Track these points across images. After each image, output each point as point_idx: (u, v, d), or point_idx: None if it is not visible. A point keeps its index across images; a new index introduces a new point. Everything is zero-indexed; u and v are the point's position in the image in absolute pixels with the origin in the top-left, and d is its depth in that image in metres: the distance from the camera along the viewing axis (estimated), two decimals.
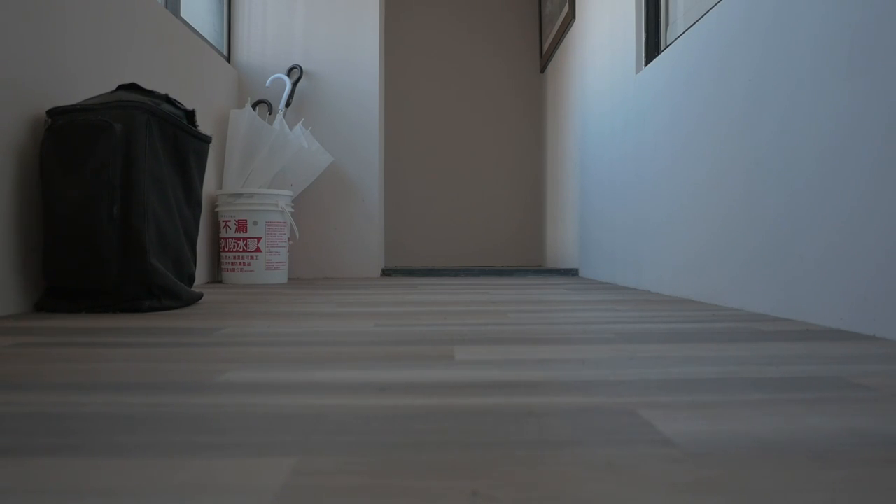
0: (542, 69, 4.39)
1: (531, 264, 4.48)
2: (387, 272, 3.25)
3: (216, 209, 2.78)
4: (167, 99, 1.62)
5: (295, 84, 3.10)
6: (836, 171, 1.16)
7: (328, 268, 3.19)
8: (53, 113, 1.49)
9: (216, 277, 2.89)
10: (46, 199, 1.45)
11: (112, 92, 1.59)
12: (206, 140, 1.73)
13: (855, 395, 0.64)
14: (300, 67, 3.16)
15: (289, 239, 2.86)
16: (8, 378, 0.72)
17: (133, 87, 1.62)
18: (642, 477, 0.42)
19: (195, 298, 1.63)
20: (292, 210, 2.83)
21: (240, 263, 2.68)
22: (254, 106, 3.11)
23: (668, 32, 2.19)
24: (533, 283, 2.61)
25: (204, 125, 2.68)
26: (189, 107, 2.49)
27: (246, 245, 2.67)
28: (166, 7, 2.35)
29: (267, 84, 3.14)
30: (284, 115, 3.13)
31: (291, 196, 2.80)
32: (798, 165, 1.29)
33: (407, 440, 0.49)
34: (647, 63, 2.28)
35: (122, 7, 1.93)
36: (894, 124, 1.02)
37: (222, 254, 2.72)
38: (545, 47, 4.20)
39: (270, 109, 3.14)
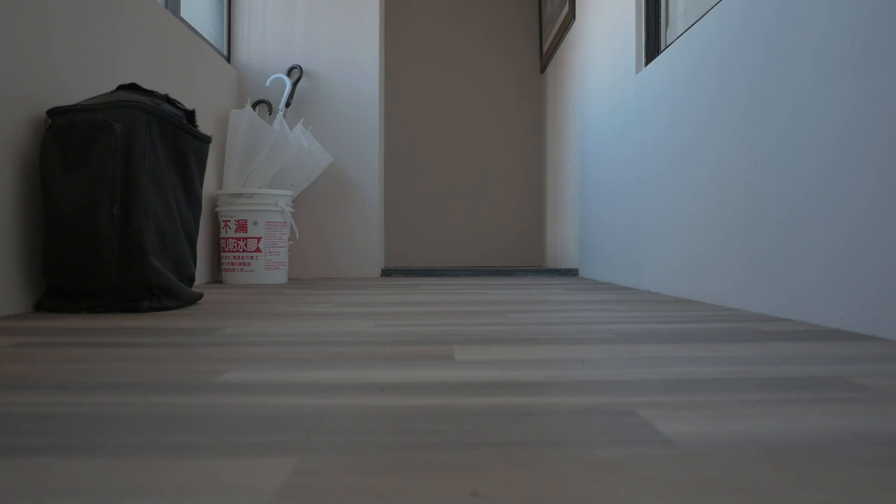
0: (542, 69, 4.39)
1: (531, 264, 4.48)
2: (386, 272, 3.25)
3: (216, 209, 2.78)
4: (167, 99, 1.62)
5: (295, 84, 3.10)
6: (839, 171, 1.16)
7: (328, 268, 3.19)
8: (54, 113, 1.49)
9: (216, 277, 2.89)
10: (46, 199, 1.45)
11: (112, 92, 1.59)
12: (206, 140, 1.73)
13: (855, 395, 0.64)
14: (300, 67, 3.16)
15: (289, 239, 2.86)
16: (8, 378, 0.72)
17: (133, 87, 1.62)
18: (642, 477, 0.41)
19: (195, 298, 1.63)
20: (292, 210, 2.83)
21: (240, 263, 2.68)
22: (254, 106, 3.11)
23: (668, 32, 2.19)
24: (533, 284, 2.61)
25: (204, 125, 2.68)
26: (189, 107, 2.49)
27: (246, 245, 2.67)
28: (166, 7, 2.35)
29: (267, 84, 3.14)
30: (284, 116, 3.13)
31: (291, 196, 2.80)
32: (800, 166, 1.29)
33: (407, 440, 0.49)
34: (647, 63, 2.28)
35: (122, 7, 1.93)
36: None
37: (222, 254, 2.72)
38: (545, 47, 4.20)
39: (270, 109, 3.14)
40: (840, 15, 1.16)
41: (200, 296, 1.66)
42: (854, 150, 1.12)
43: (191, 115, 1.69)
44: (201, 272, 2.68)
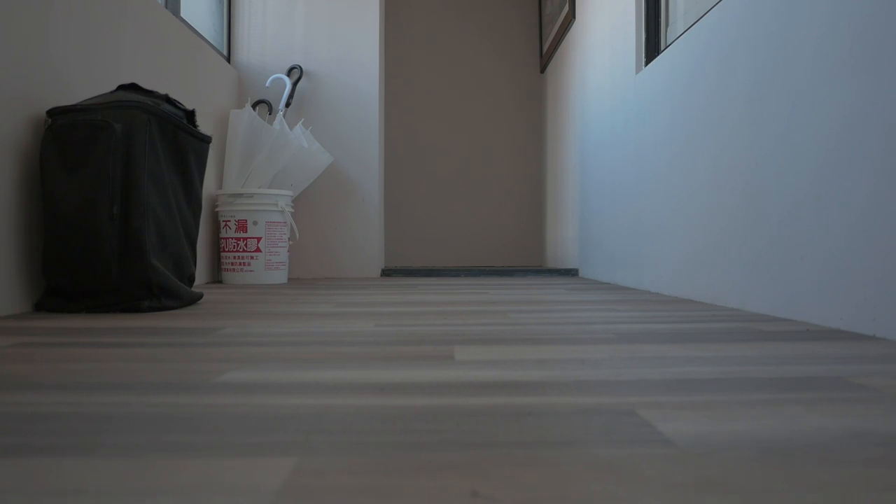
0: (542, 69, 4.39)
1: (531, 264, 4.48)
2: (386, 272, 3.25)
3: (216, 209, 2.78)
4: (167, 99, 1.62)
5: (295, 84, 3.10)
6: (839, 171, 1.16)
7: (328, 268, 3.19)
8: (53, 113, 1.49)
9: (216, 277, 2.89)
10: (46, 199, 1.45)
11: (112, 92, 1.59)
12: (206, 140, 1.73)
13: (855, 395, 0.64)
14: (300, 67, 3.16)
15: (289, 239, 2.86)
16: (8, 378, 0.72)
17: (133, 87, 1.62)
18: (642, 477, 0.41)
19: (195, 298, 1.63)
20: (292, 210, 2.83)
21: (240, 263, 2.68)
22: (254, 106, 3.11)
23: (668, 32, 2.19)
24: (533, 284, 2.61)
25: (204, 125, 2.68)
26: (189, 107, 2.49)
27: (246, 245, 2.67)
28: (166, 7, 2.35)
29: (267, 84, 3.14)
30: (284, 116, 3.13)
31: (291, 196, 2.80)
32: (800, 165, 1.29)
33: (407, 440, 0.49)
34: (647, 63, 2.28)
35: (123, 7, 1.93)
36: None
37: (222, 254, 2.72)
38: (545, 47, 4.20)
39: (270, 109, 3.14)
40: (839, 15, 1.16)
41: (200, 296, 1.66)
42: (853, 150, 1.12)
43: (191, 115, 1.69)
44: (201, 272, 2.68)
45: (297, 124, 3.00)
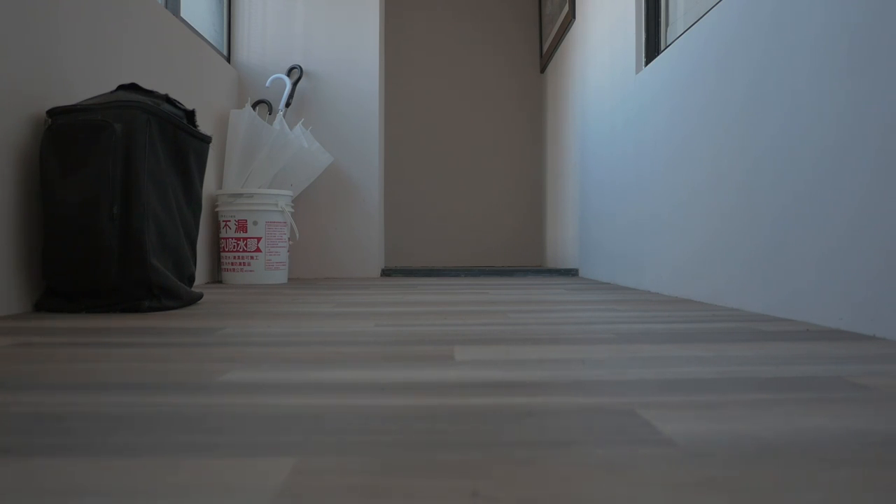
0: (542, 69, 4.39)
1: (531, 264, 4.48)
2: (387, 272, 3.25)
3: (216, 209, 2.78)
4: (167, 99, 1.62)
5: (295, 84, 3.10)
6: (837, 170, 1.16)
7: (328, 268, 3.19)
8: (53, 113, 1.49)
9: (216, 277, 2.89)
10: (46, 199, 1.45)
11: (112, 92, 1.59)
12: (206, 140, 1.73)
13: (855, 395, 0.64)
14: (300, 67, 3.16)
15: (289, 239, 2.86)
16: (8, 378, 0.72)
17: (133, 87, 1.62)
18: (642, 477, 0.42)
19: (195, 298, 1.63)
20: (292, 210, 2.83)
21: (240, 263, 2.68)
22: (254, 106, 3.11)
23: (668, 32, 2.19)
24: (533, 284, 2.61)
25: (204, 125, 2.68)
26: (189, 107, 2.49)
27: (246, 245, 2.67)
28: (166, 7, 2.35)
29: (267, 84, 3.14)
30: (284, 115, 3.13)
31: (291, 196, 2.80)
32: (798, 165, 1.29)
33: (407, 440, 0.49)
34: (647, 63, 2.28)
35: (122, 7, 1.93)
36: (894, 124, 1.02)
37: (222, 254, 2.72)
38: (545, 47, 4.20)
39: (270, 109, 3.14)
40: (837, 17, 1.16)
41: (200, 296, 1.66)
42: (850, 149, 1.12)
43: (191, 115, 1.69)
44: (201, 272, 2.68)
45: (297, 124, 3.00)
